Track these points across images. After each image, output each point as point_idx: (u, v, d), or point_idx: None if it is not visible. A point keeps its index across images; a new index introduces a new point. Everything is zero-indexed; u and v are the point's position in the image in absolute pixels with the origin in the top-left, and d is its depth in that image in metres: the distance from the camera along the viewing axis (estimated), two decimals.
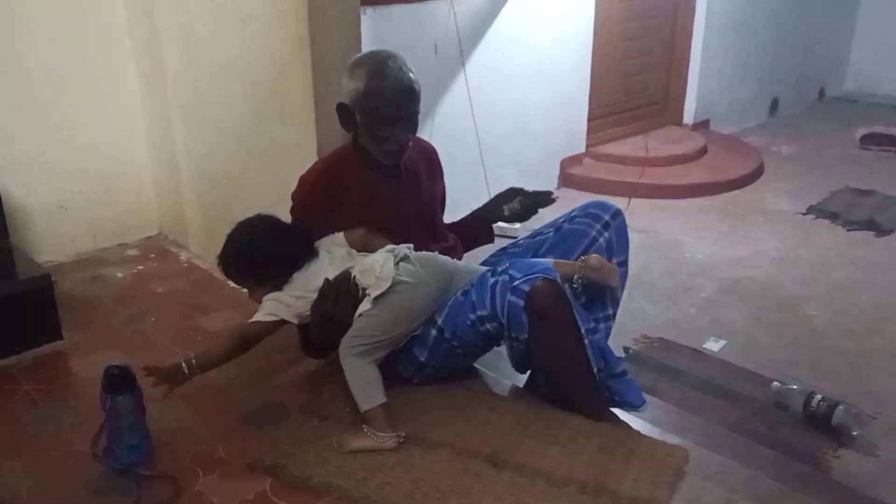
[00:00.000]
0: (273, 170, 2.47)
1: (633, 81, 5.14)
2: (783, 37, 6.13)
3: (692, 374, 2.62)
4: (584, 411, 1.90)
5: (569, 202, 2.17)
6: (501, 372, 2.14)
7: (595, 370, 1.87)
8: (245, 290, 2.03)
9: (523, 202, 2.22)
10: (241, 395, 2.08)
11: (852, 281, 3.42)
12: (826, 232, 4.02)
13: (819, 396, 2.34)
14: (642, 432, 1.89)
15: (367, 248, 1.96)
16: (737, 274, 3.48)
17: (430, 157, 2.19)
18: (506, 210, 2.23)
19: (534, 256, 2.04)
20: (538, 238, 2.14)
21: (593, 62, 4.53)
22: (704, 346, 2.84)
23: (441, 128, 3.64)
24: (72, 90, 2.92)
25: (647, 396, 2.02)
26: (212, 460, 1.81)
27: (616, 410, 1.96)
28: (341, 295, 1.84)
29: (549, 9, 4.12)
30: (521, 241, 2.18)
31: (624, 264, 2.06)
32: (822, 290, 3.33)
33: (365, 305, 1.85)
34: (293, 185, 2.05)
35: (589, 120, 4.69)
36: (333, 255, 1.95)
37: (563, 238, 2.06)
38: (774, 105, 6.43)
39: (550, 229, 2.13)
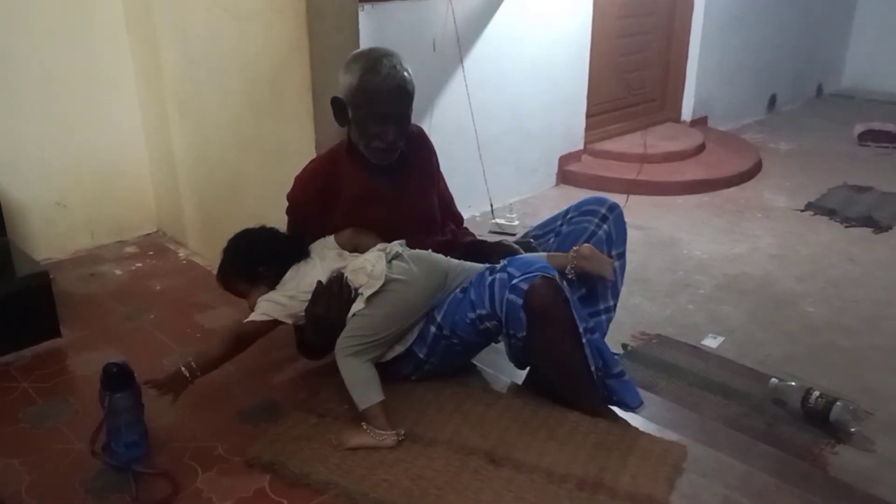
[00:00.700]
0: (271, 166, 2.47)
1: (631, 78, 5.14)
2: (781, 33, 6.13)
3: (690, 371, 2.62)
4: (582, 407, 1.91)
5: (567, 199, 2.18)
6: (499, 369, 2.15)
7: (593, 368, 1.88)
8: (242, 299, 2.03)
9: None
10: (239, 393, 2.08)
11: (850, 277, 3.43)
12: (824, 228, 4.02)
13: (817, 393, 2.34)
14: (640, 429, 1.89)
15: (357, 248, 1.97)
16: (735, 270, 3.48)
17: (422, 144, 2.16)
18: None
19: (534, 248, 2.04)
20: (539, 241, 2.15)
21: (591, 59, 4.53)
22: (702, 342, 2.84)
23: (439, 124, 3.64)
24: (70, 88, 2.92)
25: (644, 393, 2.03)
26: (210, 457, 1.81)
27: (613, 408, 1.97)
28: (334, 296, 1.84)
29: (546, 5, 4.12)
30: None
31: (622, 256, 2.07)
32: (820, 286, 3.33)
33: (358, 305, 1.85)
34: (291, 182, 2.05)
35: (587, 117, 4.69)
36: (324, 257, 1.96)
37: (564, 238, 2.08)
38: (772, 102, 6.43)
39: (551, 235, 2.14)
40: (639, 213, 4.00)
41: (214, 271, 2.03)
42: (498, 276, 1.83)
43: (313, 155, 2.20)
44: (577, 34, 4.39)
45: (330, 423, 1.88)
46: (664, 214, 4.16)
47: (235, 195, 2.72)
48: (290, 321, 1.90)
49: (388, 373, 1.95)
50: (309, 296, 1.87)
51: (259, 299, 1.90)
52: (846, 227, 4.03)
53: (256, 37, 2.38)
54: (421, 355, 1.98)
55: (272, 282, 1.93)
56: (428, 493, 1.64)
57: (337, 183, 2.01)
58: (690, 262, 3.57)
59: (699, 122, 5.60)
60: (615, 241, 2.04)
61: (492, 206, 3.83)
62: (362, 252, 1.96)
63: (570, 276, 1.95)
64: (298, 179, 2.04)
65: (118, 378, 1.75)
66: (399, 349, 1.96)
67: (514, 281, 1.78)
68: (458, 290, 1.93)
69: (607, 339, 2.04)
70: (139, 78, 3.07)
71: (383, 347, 1.89)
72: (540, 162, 4.44)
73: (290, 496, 1.68)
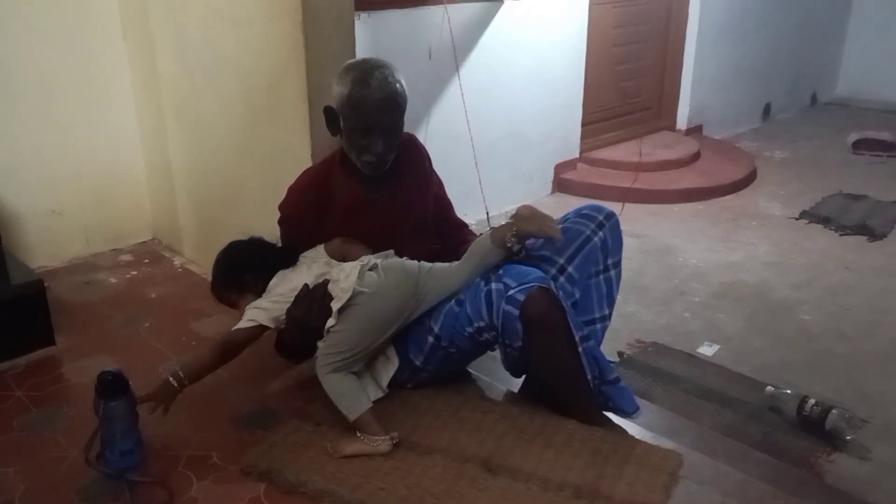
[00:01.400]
0: (267, 174, 2.47)
1: (627, 86, 5.16)
2: (776, 42, 6.16)
3: (686, 379, 2.62)
4: (578, 416, 1.91)
5: (563, 207, 2.17)
6: (495, 376, 2.14)
7: (589, 377, 1.87)
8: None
9: None
10: (234, 400, 2.07)
11: (845, 285, 3.44)
12: (819, 236, 4.03)
13: (812, 400, 2.34)
14: (637, 437, 1.89)
15: (346, 258, 1.97)
16: (730, 278, 3.49)
17: (412, 151, 2.15)
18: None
19: (529, 255, 2.02)
20: (532, 240, 2.13)
21: (587, 67, 4.55)
22: (698, 350, 2.84)
23: (435, 132, 3.65)
24: (65, 94, 2.92)
25: (640, 401, 2.02)
26: (205, 466, 1.81)
27: (610, 415, 1.96)
28: (315, 301, 1.83)
29: (542, 14, 4.13)
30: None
31: (618, 265, 2.06)
32: (815, 294, 3.34)
33: (330, 321, 1.84)
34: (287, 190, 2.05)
35: (582, 125, 4.70)
36: (313, 264, 1.96)
37: None
38: (767, 110, 6.46)
39: None
40: (634, 221, 4.01)
41: (209, 279, 2.04)
42: (493, 286, 1.83)
43: (310, 162, 2.20)
44: (573, 42, 4.40)
45: (326, 430, 1.88)
46: (660, 222, 4.16)
47: (231, 202, 2.72)
48: (273, 325, 1.89)
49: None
50: (290, 299, 1.87)
51: (246, 307, 1.91)
52: (841, 235, 4.04)
53: (253, 44, 2.38)
54: (417, 363, 1.98)
55: (259, 290, 1.93)
56: (424, 501, 1.64)
57: (330, 193, 2.01)
58: (686, 270, 3.58)
59: (694, 131, 5.62)
60: (611, 249, 2.04)
61: (487, 213, 3.83)
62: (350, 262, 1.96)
63: (511, 245, 1.85)
64: (291, 191, 2.04)
65: (113, 386, 1.73)
66: (391, 369, 1.96)
67: (511, 292, 1.78)
68: (453, 301, 1.92)
69: (603, 347, 2.04)
70: (135, 85, 3.07)
71: (363, 360, 1.88)
72: (536, 170, 4.45)
73: None
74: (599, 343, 2.04)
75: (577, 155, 4.73)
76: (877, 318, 3.13)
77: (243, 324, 1.87)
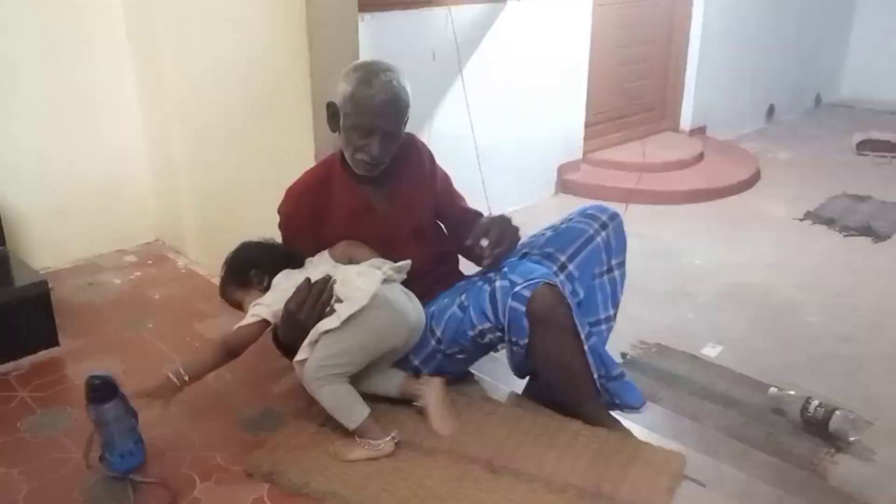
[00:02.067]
0: (271, 176, 2.47)
1: (630, 88, 5.15)
2: (779, 43, 6.15)
3: (690, 380, 2.62)
4: (584, 415, 1.90)
5: (566, 208, 2.16)
6: (498, 377, 2.14)
7: (595, 376, 1.87)
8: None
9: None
10: (238, 402, 2.07)
11: (849, 286, 3.43)
12: (823, 237, 4.03)
13: (816, 402, 2.34)
14: (640, 438, 1.89)
15: (352, 261, 1.96)
16: (734, 280, 3.48)
17: (413, 153, 2.14)
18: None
19: (530, 252, 2.02)
20: (534, 236, 2.12)
21: (590, 68, 4.55)
22: (702, 351, 2.84)
23: (438, 134, 3.65)
24: (69, 97, 2.93)
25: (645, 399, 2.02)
26: (209, 467, 1.81)
27: (615, 414, 1.96)
28: (312, 296, 1.81)
29: (546, 15, 4.13)
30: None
31: (622, 266, 2.05)
32: (820, 295, 3.33)
33: (331, 322, 1.79)
34: None
35: (586, 126, 4.70)
36: (317, 265, 1.96)
37: (559, 234, 2.03)
38: (771, 111, 6.45)
39: (548, 230, 2.12)
40: (638, 221, 3.98)
41: (214, 280, 2.04)
42: (498, 284, 1.83)
43: (313, 164, 2.20)
44: (577, 43, 4.40)
45: (329, 432, 1.87)
46: (663, 223, 4.16)
47: (235, 204, 2.72)
48: (273, 319, 1.87)
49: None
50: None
51: (249, 306, 1.91)
52: (845, 236, 4.03)
53: (257, 46, 2.38)
54: (419, 364, 1.98)
55: (265, 287, 1.93)
56: (427, 502, 1.64)
57: (329, 195, 2.00)
58: (690, 271, 3.57)
59: (698, 132, 5.61)
60: (615, 250, 2.04)
61: (491, 214, 3.83)
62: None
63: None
64: (290, 193, 2.02)
65: (101, 390, 1.73)
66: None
67: (517, 288, 1.78)
68: (456, 306, 1.92)
69: (607, 348, 2.04)
70: (139, 86, 3.07)
71: (354, 373, 1.84)
72: (539, 171, 4.45)
73: None
74: (604, 344, 2.04)
75: (580, 156, 4.73)
76: (881, 319, 3.12)
77: (246, 320, 1.87)
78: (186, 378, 1.79)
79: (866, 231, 4.05)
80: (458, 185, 2.28)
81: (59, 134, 2.93)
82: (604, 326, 2.05)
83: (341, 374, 1.80)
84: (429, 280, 2.08)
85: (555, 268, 1.96)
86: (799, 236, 4.04)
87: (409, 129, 2.02)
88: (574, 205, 2.17)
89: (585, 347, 1.84)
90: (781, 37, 6.15)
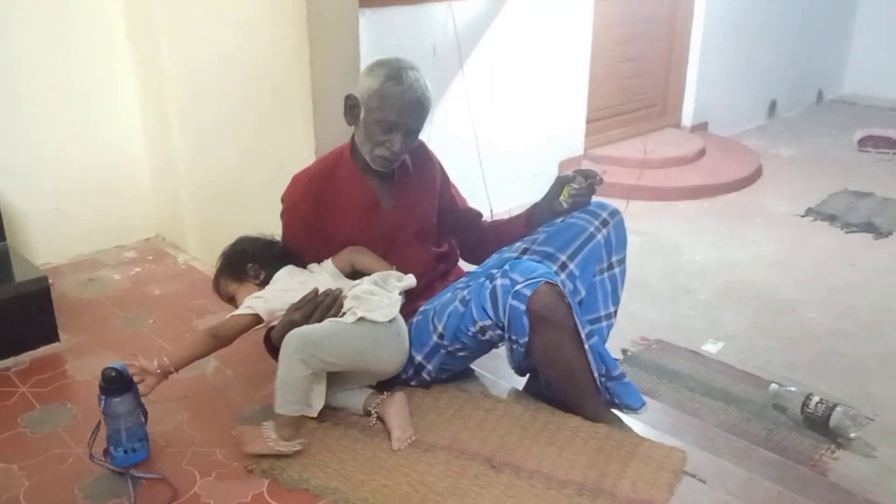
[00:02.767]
0: (271, 173, 2.47)
1: (632, 84, 5.15)
2: (781, 39, 6.14)
3: (690, 376, 2.62)
4: (584, 413, 1.90)
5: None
6: (499, 374, 2.14)
7: (596, 375, 1.87)
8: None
9: (577, 191, 2.06)
10: (238, 398, 2.07)
11: (850, 283, 3.43)
12: (824, 234, 4.02)
13: (817, 398, 2.34)
14: (640, 434, 1.89)
15: (356, 267, 1.97)
16: (735, 276, 3.48)
17: (421, 156, 2.15)
18: (563, 203, 2.07)
19: (531, 248, 2.02)
20: (535, 233, 2.12)
21: (591, 64, 4.54)
22: (703, 348, 2.84)
23: (439, 129, 3.63)
24: (69, 93, 2.92)
25: (645, 398, 2.02)
26: (209, 462, 1.81)
27: (615, 412, 1.96)
28: (319, 308, 1.83)
29: (547, 11, 4.12)
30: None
31: (622, 262, 2.05)
32: (820, 292, 3.33)
33: (348, 318, 1.81)
34: None
35: (587, 122, 4.69)
36: (320, 273, 1.96)
37: (560, 231, 2.01)
38: (773, 107, 6.44)
39: (549, 226, 2.10)
40: (639, 218, 4.00)
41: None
42: (499, 282, 1.82)
43: (313, 160, 2.20)
44: (578, 39, 4.39)
45: (329, 428, 1.88)
46: (664, 220, 4.16)
47: (235, 200, 2.72)
48: (266, 318, 1.87)
49: (388, 379, 1.96)
50: (293, 296, 1.86)
51: (246, 297, 1.91)
52: (846, 232, 4.03)
53: (257, 43, 2.38)
54: (421, 360, 1.98)
55: (261, 281, 1.94)
56: (427, 498, 1.64)
57: (336, 187, 2.00)
58: (690, 268, 3.57)
59: (699, 128, 5.60)
60: (615, 246, 2.03)
61: (492, 211, 3.83)
62: (360, 270, 1.96)
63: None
64: (296, 179, 2.02)
65: (116, 382, 1.74)
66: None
67: (518, 287, 1.78)
68: (458, 301, 1.92)
69: (607, 345, 2.04)
70: (140, 84, 3.07)
71: (329, 371, 1.84)
72: (540, 167, 4.44)
73: (289, 501, 1.68)
74: (605, 342, 2.03)
75: (581, 152, 4.72)
76: (882, 316, 3.12)
77: (240, 310, 1.87)
78: (172, 369, 1.80)
79: (868, 228, 4.05)
80: (459, 180, 2.28)
81: (59, 130, 2.93)
82: (604, 324, 2.04)
83: (322, 367, 1.78)
84: (430, 278, 2.09)
85: (555, 267, 1.96)
86: (800, 233, 4.03)
87: None
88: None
89: (586, 346, 1.84)
90: (783, 33, 6.13)
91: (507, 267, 1.85)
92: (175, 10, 2.71)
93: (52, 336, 2.36)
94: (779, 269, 3.57)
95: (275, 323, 1.88)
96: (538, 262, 1.93)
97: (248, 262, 1.97)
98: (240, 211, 2.68)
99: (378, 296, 1.87)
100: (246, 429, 1.82)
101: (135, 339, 2.42)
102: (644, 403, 1.96)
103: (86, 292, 2.76)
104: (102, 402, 1.74)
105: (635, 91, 5.19)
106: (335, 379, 1.87)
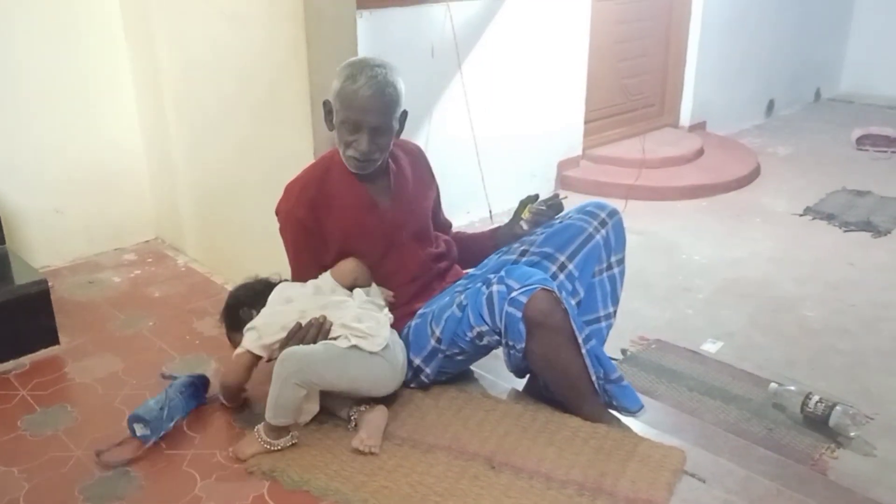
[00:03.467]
0: (270, 173, 2.47)
1: (630, 83, 5.15)
2: (779, 38, 6.14)
3: (690, 376, 2.62)
4: (583, 414, 1.91)
5: (566, 205, 2.16)
6: (498, 374, 2.14)
7: (594, 378, 1.87)
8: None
9: (537, 209, 2.13)
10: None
11: (849, 281, 3.43)
12: (823, 233, 4.02)
13: (816, 397, 2.34)
14: (640, 433, 1.89)
15: (356, 284, 1.97)
16: (734, 275, 3.48)
17: (419, 161, 2.16)
18: (524, 224, 2.15)
19: (529, 250, 2.02)
20: (533, 235, 2.12)
21: (589, 64, 4.54)
22: (702, 347, 2.84)
23: (437, 130, 3.65)
24: (67, 94, 2.92)
25: (644, 398, 2.02)
26: (209, 464, 1.81)
27: (614, 413, 1.96)
28: (309, 335, 1.85)
29: (544, 11, 4.12)
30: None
31: (621, 262, 2.05)
32: (819, 290, 3.33)
33: (341, 342, 1.83)
34: None
35: (585, 122, 4.69)
36: (319, 286, 1.97)
37: (558, 231, 2.02)
38: (771, 106, 6.44)
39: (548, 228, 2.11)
40: (638, 217, 3.99)
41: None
42: (495, 288, 1.82)
43: (312, 161, 2.20)
44: (576, 39, 4.39)
45: (330, 429, 1.88)
46: (663, 219, 4.16)
47: (234, 201, 2.72)
48: (265, 354, 1.89)
49: None
50: (281, 317, 1.89)
51: (244, 330, 1.93)
52: (845, 231, 4.03)
53: (255, 43, 2.38)
54: (420, 363, 1.99)
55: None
56: (428, 498, 1.64)
57: (330, 190, 1.99)
58: (689, 267, 3.57)
59: (697, 127, 5.60)
60: (614, 246, 2.03)
61: (490, 211, 3.83)
62: (360, 284, 1.97)
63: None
64: (289, 189, 2.01)
65: (195, 385, 1.95)
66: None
67: (514, 294, 1.78)
68: (455, 306, 1.93)
69: (606, 345, 2.04)
70: (137, 84, 3.07)
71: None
72: (539, 167, 4.44)
73: (289, 503, 1.68)
74: (604, 342, 2.04)
75: (580, 152, 4.72)
76: (880, 314, 3.12)
77: (237, 351, 1.91)
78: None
79: (866, 226, 4.05)
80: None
81: (57, 132, 2.93)
82: (604, 324, 2.04)
83: (314, 387, 1.81)
84: (428, 278, 2.09)
85: (554, 268, 1.96)
86: (798, 231, 4.03)
87: (408, 124, 2.02)
88: (574, 202, 2.16)
89: (583, 351, 1.84)
90: (781, 32, 6.13)
91: (503, 273, 1.85)
92: (172, 9, 2.71)
93: (52, 339, 2.36)
94: (777, 267, 3.57)
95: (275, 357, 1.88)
96: (537, 263, 1.94)
97: (241, 308, 2.00)
98: (239, 212, 2.68)
99: (365, 322, 1.87)
100: (240, 442, 1.84)
101: (134, 342, 2.42)
102: (642, 407, 1.96)
103: (85, 294, 2.76)
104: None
105: (633, 90, 5.19)
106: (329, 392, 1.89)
